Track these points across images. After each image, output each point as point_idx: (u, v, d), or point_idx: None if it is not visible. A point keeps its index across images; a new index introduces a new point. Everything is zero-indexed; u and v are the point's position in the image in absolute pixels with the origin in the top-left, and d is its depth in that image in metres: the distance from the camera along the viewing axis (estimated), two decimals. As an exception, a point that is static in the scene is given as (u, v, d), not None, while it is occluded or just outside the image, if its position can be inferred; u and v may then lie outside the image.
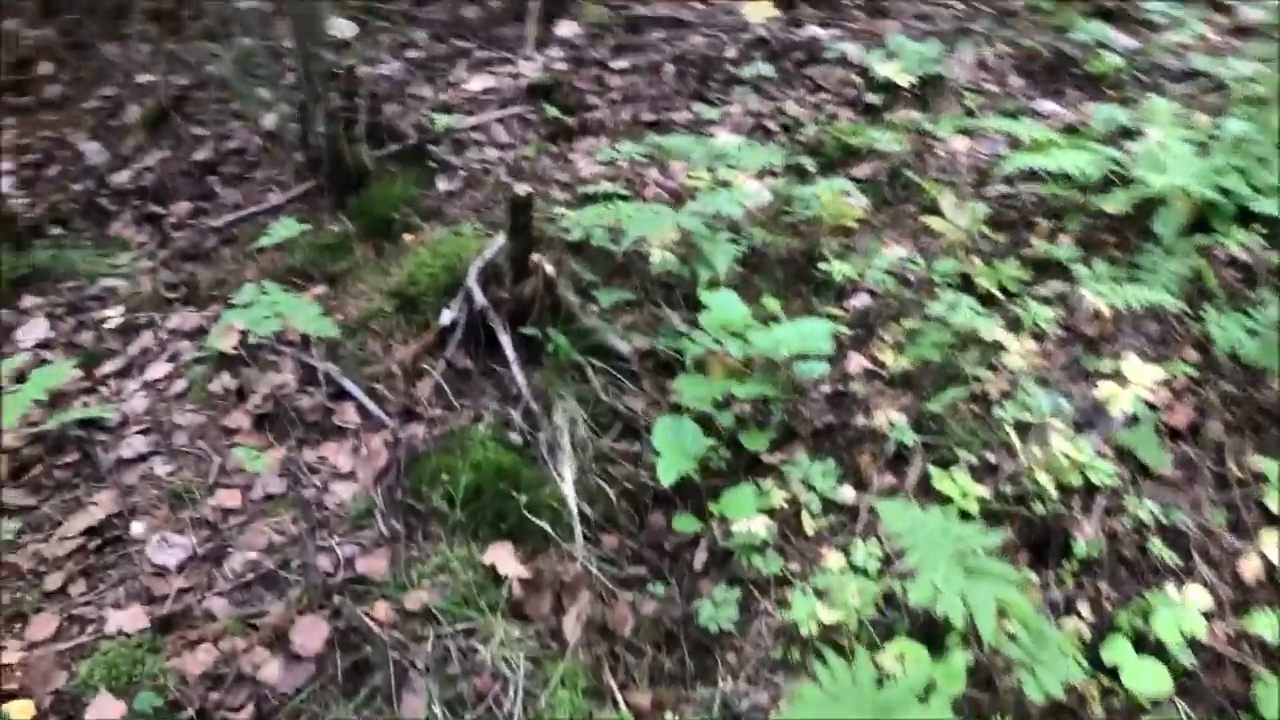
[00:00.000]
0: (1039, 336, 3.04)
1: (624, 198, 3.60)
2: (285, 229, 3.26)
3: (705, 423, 2.76)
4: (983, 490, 2.61)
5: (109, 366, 3.18)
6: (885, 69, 4.20)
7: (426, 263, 3.17)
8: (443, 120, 3.97)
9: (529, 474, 2.65)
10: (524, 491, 2.60)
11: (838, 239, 3.49)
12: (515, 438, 2.78)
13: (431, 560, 2.45)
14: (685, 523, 2.57)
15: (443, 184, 3.70)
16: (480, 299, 3.02)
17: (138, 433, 2.88)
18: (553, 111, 4.05)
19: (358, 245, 3.36)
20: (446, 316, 3.06)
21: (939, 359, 2.97)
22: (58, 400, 3.02)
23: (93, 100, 4.55)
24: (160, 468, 2.76)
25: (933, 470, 2.67)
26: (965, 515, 2.54)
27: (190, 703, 2.12)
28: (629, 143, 3.78)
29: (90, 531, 2.57)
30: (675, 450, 2.55)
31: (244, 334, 2.99)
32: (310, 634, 2.25)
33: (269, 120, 4.04)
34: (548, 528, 2.56)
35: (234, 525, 2.57)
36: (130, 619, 2.29)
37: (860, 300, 3.30)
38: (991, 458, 2.71)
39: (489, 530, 2.54)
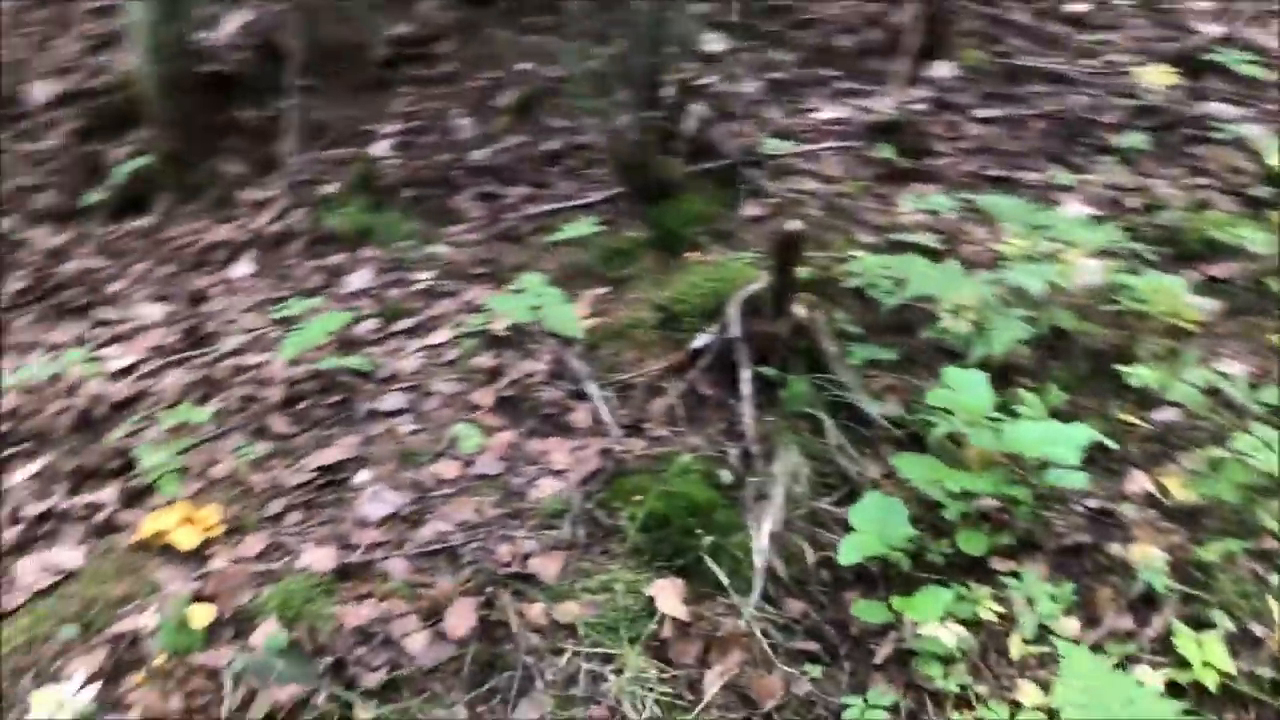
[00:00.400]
0: (1372, 500, 2.53)
1: (934, 253, 3.40)
2: (579, 227, 3.36)
3: (932, 509, 2.54)
4: (1233, 665, 2.21)
5: (403, 324, 3.43)
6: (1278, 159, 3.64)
7: (698, 283, 3.14)
8: (772, 144, 3.92)
9: (723, 516, 2.55)
10: (711, 533, 2.50)
11: (1165, 341, 3.07)
12: (726, 476, 2.69)
13: (597, 576, 2.42)
14: (869, 610, 2.36)
15: (749, 208, 3.66)
16: (736, 329, 2.95)
17: (399, 389, 3.07)
18: (886, 152, 3.87)
19: (645, 254, 3.40)
20: (700, 340, 3.02)
21: (1234, 501, 2.55)
22: (348, 345, 3.30)
23: (479, 80, 4.93)
24: (404, 426, 2.93)
25: (1179, 626, 2.29)
26: (1199, 689, 2.17)
27: (334, 651, 2.23)
28: (958, 196, 3.55)
29: (323, 469, 2.77)
30: (871, 529, 2.35)
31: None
32: (462, 616, 2.30)
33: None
34: (723, 576, 2.44)
35: (442, 495, 2.68)
36: (320, 558, 2.45)
37: (1166, 414, 2.89)
38: (1258, 630, 2.29)
39: (664, 562, 2.46)
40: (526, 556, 2.48)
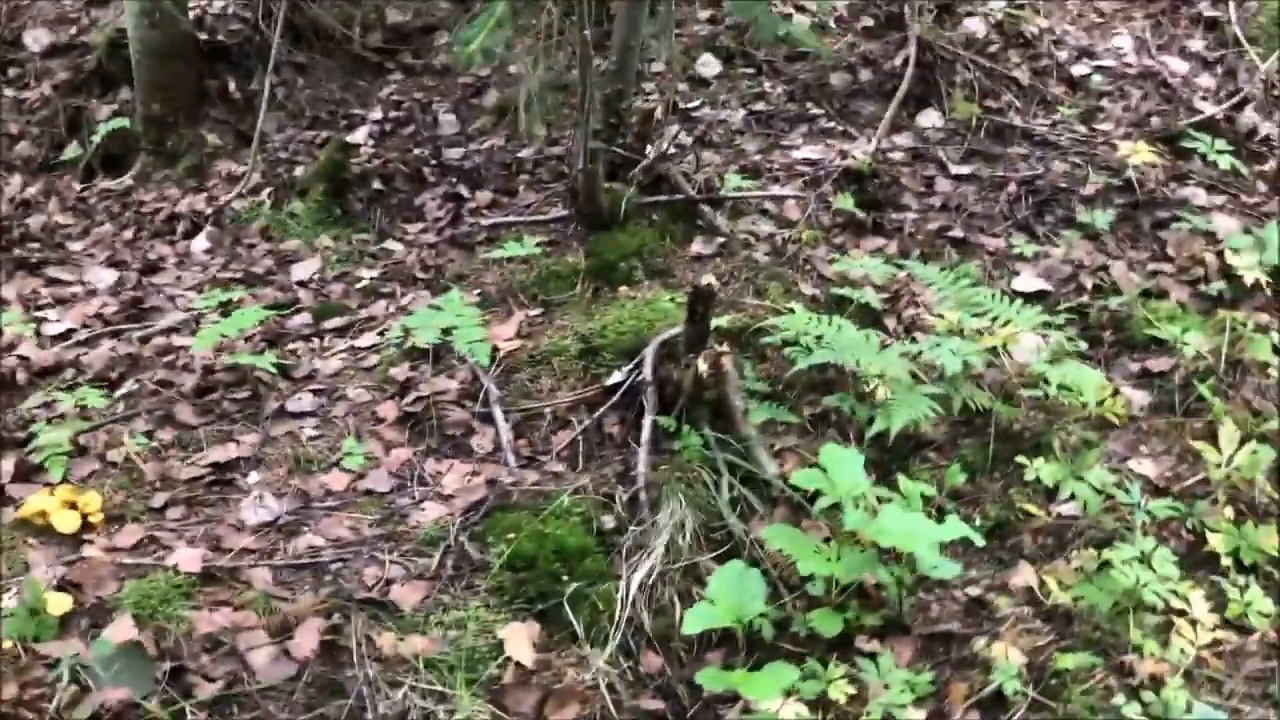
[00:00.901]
0: (1242, 630, 2.52)
1: (874, 313, 3.39)
2: (519, 246, 3.37)
3: (807, 579, 2.55)
4: (1068, 781, 2.21)
5: (334, 322, 3.45)
6: (1240, 257, 3.59)
7: (623, 319, 3.15)
8: (734, 181, 3.90)
9: (593, 564, 2.57)
10: (578, 579, 2.52)
11: (1084, 431, 3.05)
12: (608, 521, 2.70)
13: (454, 612, 2.44)
14: (713, 679, 2.37)
15: (696, 246, 3.65)
16: (648, 372, 2.95)
17: (311, 390, 3.10)
18: (847, 203, 3.84)
19: (581, 282, 3.40)
20: (615, 377, 3.03)
21: (1105, 610, 2.54)
22: (278, 337, 3.33)
23: (467, 76, 4.92)
24: (308, 429, 2.96)
25: (1026, 734, 2.29)
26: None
27: (177, 657, 2.26)
28: (896, 261, 3.53)
29: (216, 466, 2.81)
30: (726, 599, 2.35)
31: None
32: (308, 637, 2.32)
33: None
34: (579, 625, 2.46)
35: (325, 507, 2.70)
36: (188, 559, 2.48)
37: (1068, 507, 2.88)
38: (1100, 749, 2.28)
39: (524, 605, 2.48)
40: (390, 583, 2.51)
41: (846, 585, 2.50)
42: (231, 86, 4.71)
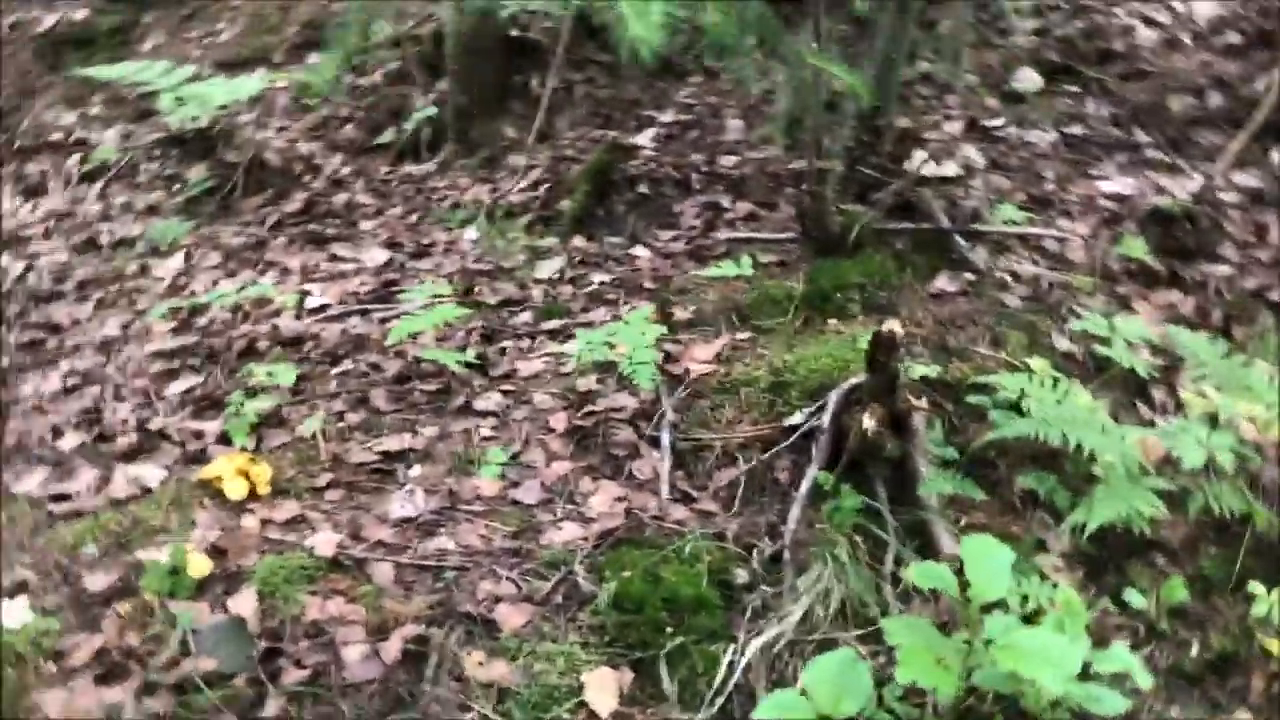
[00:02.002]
0: None
1: (1140, 385, 2.93)
2: (735, 265, 3.20)
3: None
4: None
5: (551, 324, 3.45)
6: None
7: (819, 355, 2.91)
8: (1007, 212, 3.48)
9: (704, 619, 2.38)
10: (683, 633, 2.34)
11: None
12: (740, 575, 2.49)
13: (547, 644, 2.34)
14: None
15: (940, 282, 3.29)
16: (826, 418, 2.70)
17: (501, 390, 3.12)
18: (1136, 248, 3.31)
19: (793, 310, 3.17)
20: (795, 417, 2.80)
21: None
22: (494, 335, 3.39)
23: (764, 83, 4.76)
24: (484, 429, 2.98)
25: None
26: None
27: (277, 639, 2.34)
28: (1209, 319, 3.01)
29: (385, 455, 2.89)
30: (821, 690, 2.08)
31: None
32: (396, 642, 2.32)
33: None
34: (669, 683, 2.28)
35: (468, 511, 2.70)
36: (323, 543, 2.56)
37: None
38: None
39: (622, 650, 2.34)
40: (498, 600, 2.45)
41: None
42: (534, 83, 4.84)
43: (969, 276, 3.29)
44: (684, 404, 2.98)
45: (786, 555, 2.52)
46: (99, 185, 4.99)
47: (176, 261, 4.19)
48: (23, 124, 5.60)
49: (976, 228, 3.40)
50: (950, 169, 3.89)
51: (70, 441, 3.02)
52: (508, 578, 2.50)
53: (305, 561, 2.51)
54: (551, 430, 2.94)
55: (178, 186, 4.84)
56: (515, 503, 2.74)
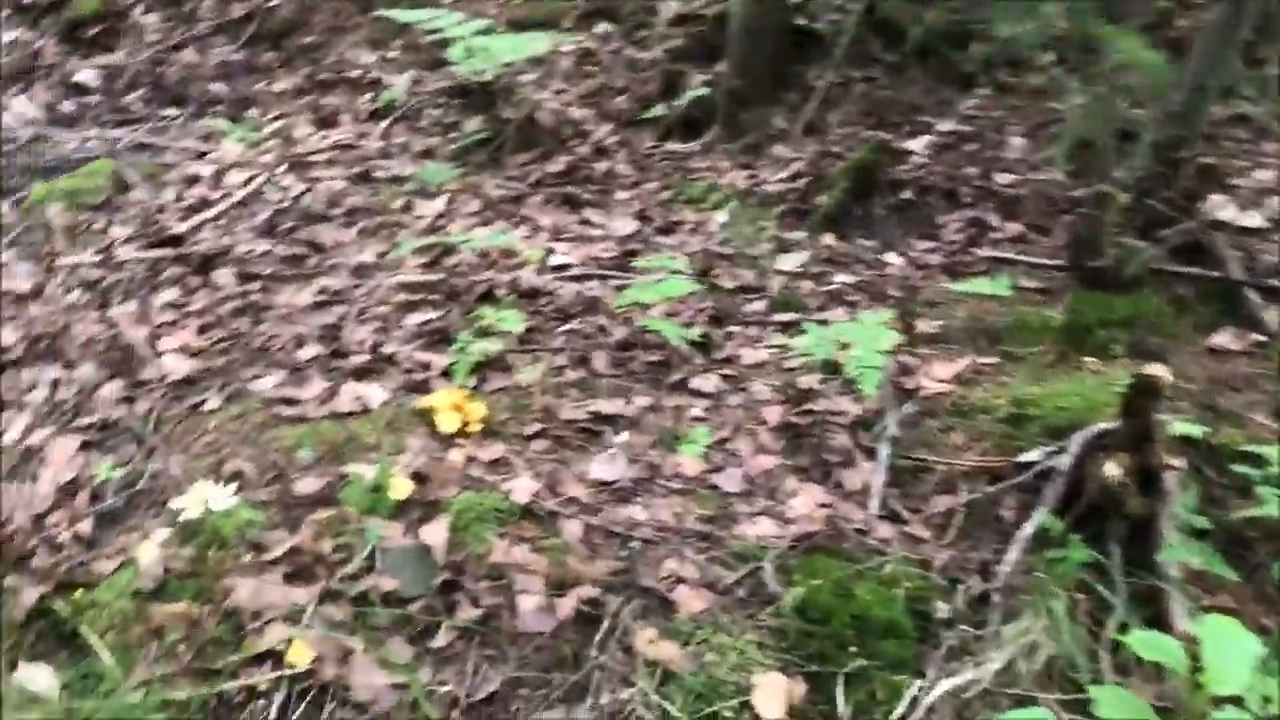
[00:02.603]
0: None
1: None
2: (990, 284, 2.99)
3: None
4: None
5: (784, 316, 3.35)
6: None
7: (1069, 393, 2.67)
8: (1315, 269, 3.10)
9: (893, 647, 2.22)
10: (866, 655, 2.19)
11: None
12: (940, 609, 2.31)
13: (721, 637, 2.24)
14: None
15: (1220, 338, 2.96)
16: (1066, 460, 2.48)
17: (720, 374, 3.04)
18: None
19: (1047, 340, 2.93)
20: (1032, 454, 2.59)
21: None
22: (724, 318, 3.32)
23: (1060, 101, 4.46)
24: (696, 410, 2.91)
25: None
26: None
27: (458, 573, 2.35)
28: None
29: (596, 416, 2.86)
30: (1010, 750, 1.89)
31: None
32: (570, 603, 2.28)
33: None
34: (844, 705, 2.14)
35: (666, 487, 2.63)
36: (522, 490, 2.56)
37: None
38: None
39: (799, 659, 2.21)
40: (680, 581, 2.37)
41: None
42: (811, 74, 4.73)
43: (1257, 337, 2.94)
44: (910, 420, 2.80)
45: (996, 598, 2.31)
46: (384, 124, 5.24)
47: (439, 204, 4.32)
48: (328, 58, 5.96)
49: (1275, 284, 3.02)
50: (1254, 219, 3.51)
51: (309, 352, 3.15)
52: (693, 560, 2.41)
53: (500, 504, 2.51)
54: (764, 422, 2.83)
55: (454, 135, 5.02)
56: (714, 487, 2.64)
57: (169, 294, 3.55)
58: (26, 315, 3.30)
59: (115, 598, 2.29)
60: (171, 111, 5.66)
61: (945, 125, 4.50)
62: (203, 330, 3.30)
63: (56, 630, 2.27)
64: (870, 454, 2.72)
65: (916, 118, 4.60)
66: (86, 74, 5.89)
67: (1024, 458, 2.60)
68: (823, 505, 2.58)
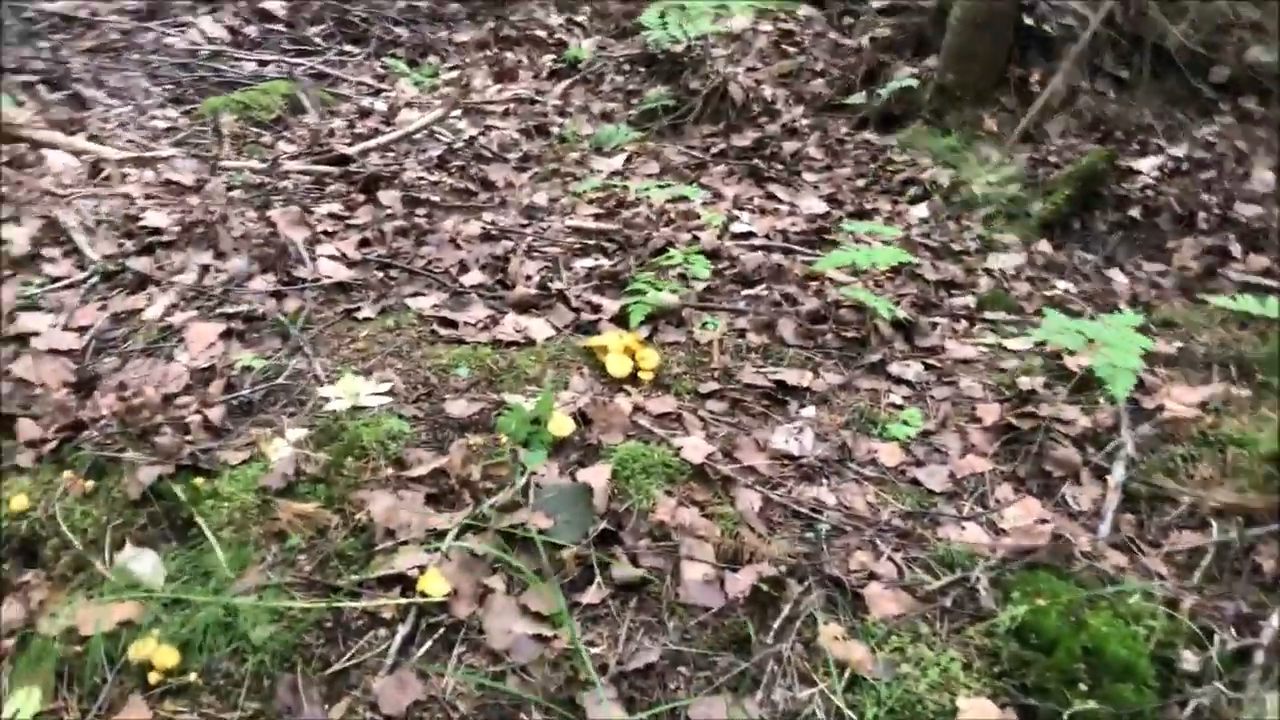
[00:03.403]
0: None
1: None
2: (1259, 304, 2.57)
3: None
4: None
5: (993, 314, 2.99)
6: None
7: (1354, 436, 2.22)
8: None
9: (1131, 693, 1.82)
10: (1098, 697, 1.80)
11: None
12: (1189, 660, 1.91)
13: (919, 648, 1.88)
14: None
15: None
16: (1354, 509, 2.04)
17: (923, 362, 2.69)
18: None
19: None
20: (1301, 503, 2.16)
21: None
22: (927, 307, 2.97)
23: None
24: (894, 396, 2.57)
25: None
26: None
27: (619, 525, 2.04)
28: None
29: (781, 386, 2.55)
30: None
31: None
32: (748, 577, 1.95)
33: None
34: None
35: (857, 473, 2.29)
36: (693, 449, 2.24)
37: None
38: None
39: (1013, 686, 1.83)
40: (873, 578, 2.02)
41: None
42: (1034, 78, 4.33)
43: None
44: (1148, 443, 2.39)
45: (1259, 658, 1.90)
46: (564, 84, 5.02)
47: (617, 162, 4.07)
48: (514, 15, 5.79)
49: None
50: None
51: (472, 279, 2.90)
52: (889, 557, 2.05)
53: (669, 460, 2.19)
54: (977, 420, 2.46)
55: (636, 101, 4.77)
56: (915, 482, 2.29)
57: (331, 206, 3.35)
58: (185, 204, 3.12)
59: (239, 491, 2.04)
60: (352, 49, 5.54)
61: (1178, 150, 4.06)
62: (363, 244, 3.08)
63: (170, 516, 2.03)
64: (1100, 473, 2.33)
65: (1145, 138, 4.17)
66: (274, 3, 5.82)
67: (1293, 505, 2.17)
68: (1043, 521, 2.19)
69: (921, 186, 3.92)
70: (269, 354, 2.48)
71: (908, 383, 2.61)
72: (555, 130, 4.46)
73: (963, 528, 2.18)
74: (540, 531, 1.97)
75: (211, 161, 3.64)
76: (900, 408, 2.51)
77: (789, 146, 4.26)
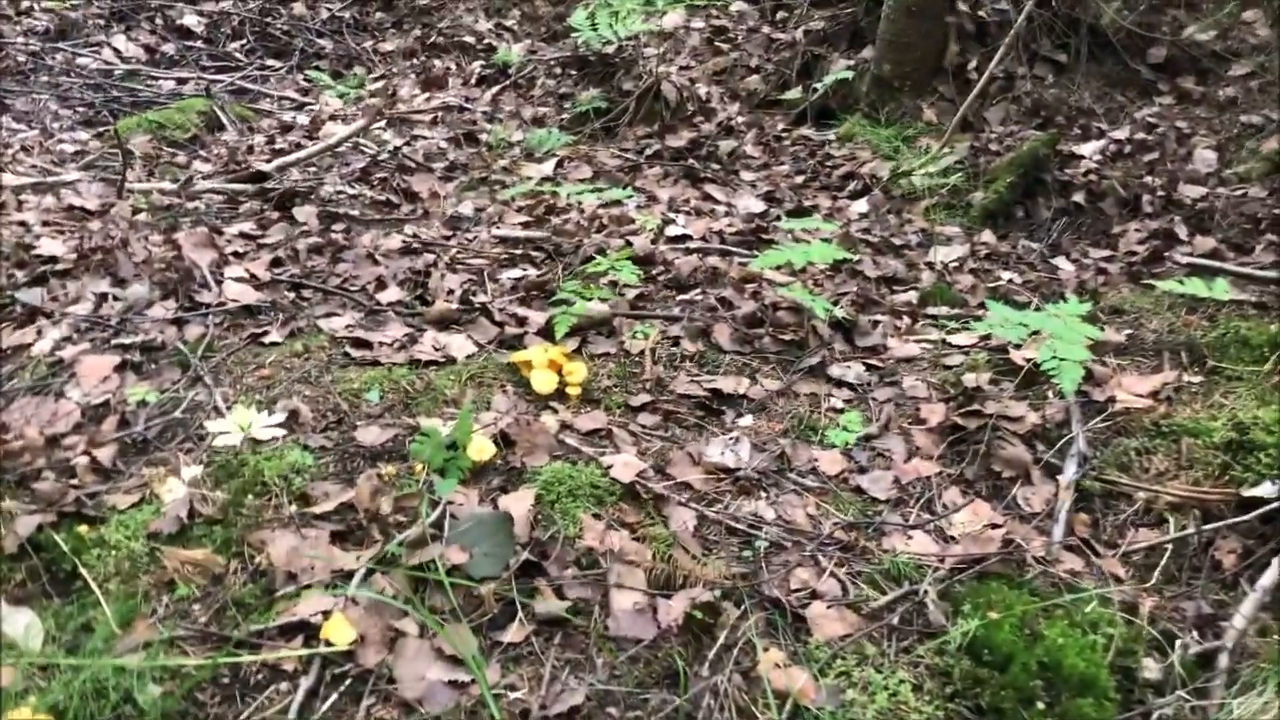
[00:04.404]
0: None
1: None
2: (1207, 287, 2.48)
3: None
4: None
5: (938, 310, 2.87)
6: None
7: (1311, 425, 2.13)
8: None
9: (1090, 708, 1.70)
10: (1057, 716, 1.68)
11: None
12: (1149, 668, 1.80)
13: (867, 671, 1.75)
14: None
15: None
16: (1313, 498, 1.94)
17: (863, 363, 2.56)
18: None
19: (1277, 359, 2.40)
20: (1260, 489, 2.07)
21: None
22: (866, 305, 2.85)
23: (1253, 115, 3.92)
24: (835, 400, 2.44)
25: None
26: None
27: (543, 555, 1.89)
28: None
29: (716, 394, 2.42)
30: None
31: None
32: (680, 604, 1.81)
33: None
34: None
35: (796, 484, 2.16)
36: (623, 468, 2.12)
37: None
38: None
39: (968, 711, 1.71)
40: (816, 597, 1.89)
41: None
42: (971, 65, 4.24)
43: None
44: (1099, 437, 2.29)
45: (1223, 662, 1.80)
46: (493, 90, 4.88)
47: (547, 167, 3.93)
48: (441, 23, 5.63)
49: None
50: None
51: (390, 295, 2.75)
52: (832, 573, 1.93)
53: (598, 480, 2.06)
54: (921, 422, 2.34)
55: (568, 105, 4.63)
56: (858, 490, 2.16)
57: (243, 225, 3.18)
58: (86, 230, 2.94)
59: (126, 538, 1.88)
60: (274, 63, 5.37)
61: (1120, 133, 3.99)
62: (274, 264, 2.92)
63: (52, 569, 1.86)
64: (1051, 471, 2.22)
65: (1086, 122, 4.09)
66: (191, 18, 5.63)
67: (1250, 492, 2.07)
68: (993, 525, 2.07)
69: (861, 181, 3.81)
70: (166, 386, 2.31)
71: (849, 385, 2.49)
72: (484, 137, 4.31)
73: (909, 537, 2.06)
74: (455, 567, 1.82)
75: (118, 184, 3.46)
76: (841, 411, 2.38)
77: (725, 145, 4.14)
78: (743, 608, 1.84)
